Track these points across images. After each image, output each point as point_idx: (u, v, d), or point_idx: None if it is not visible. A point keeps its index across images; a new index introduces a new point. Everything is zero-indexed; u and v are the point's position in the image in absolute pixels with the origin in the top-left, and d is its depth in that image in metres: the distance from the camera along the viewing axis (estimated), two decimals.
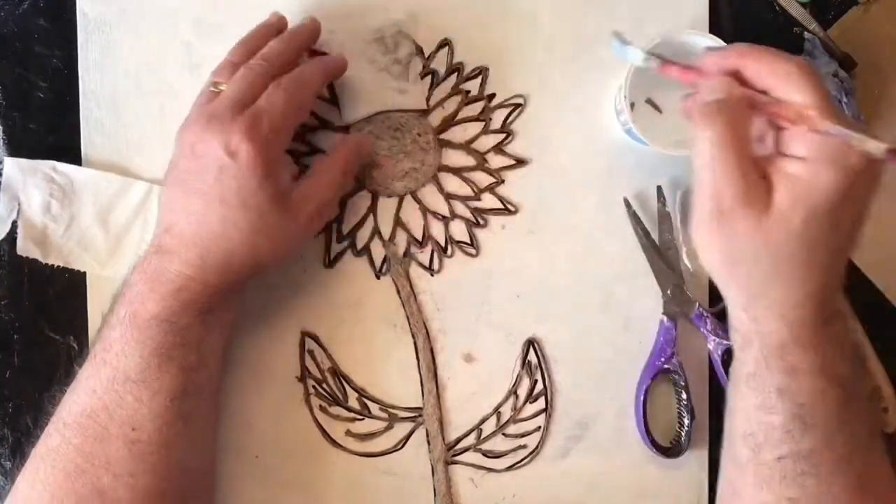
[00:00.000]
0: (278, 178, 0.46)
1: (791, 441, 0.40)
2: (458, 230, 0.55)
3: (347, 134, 0.54)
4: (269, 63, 0.48)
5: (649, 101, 0.53)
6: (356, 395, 0.55)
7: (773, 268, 0.40)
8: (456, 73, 0.55)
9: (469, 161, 0.55)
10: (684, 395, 0.53)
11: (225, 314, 0.48)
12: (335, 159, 0.51)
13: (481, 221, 0.55)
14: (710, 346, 0.53)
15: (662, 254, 0.54)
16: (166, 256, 0.46)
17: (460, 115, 0.55)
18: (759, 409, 0.41)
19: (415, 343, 0.55)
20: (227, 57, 0.49)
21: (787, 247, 0.39)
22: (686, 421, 0.53)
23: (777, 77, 0.40)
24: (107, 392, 0.44)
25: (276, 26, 0.51)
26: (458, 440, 0.55)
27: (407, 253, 0.55)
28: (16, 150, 0.55)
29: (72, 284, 0.55)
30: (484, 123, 0.55)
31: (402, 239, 0.55)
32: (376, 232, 0.55)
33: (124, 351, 0.45)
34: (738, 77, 0.41)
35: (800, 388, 0.40)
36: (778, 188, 0.39)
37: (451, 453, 0.55)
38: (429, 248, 0.55)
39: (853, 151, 0.37)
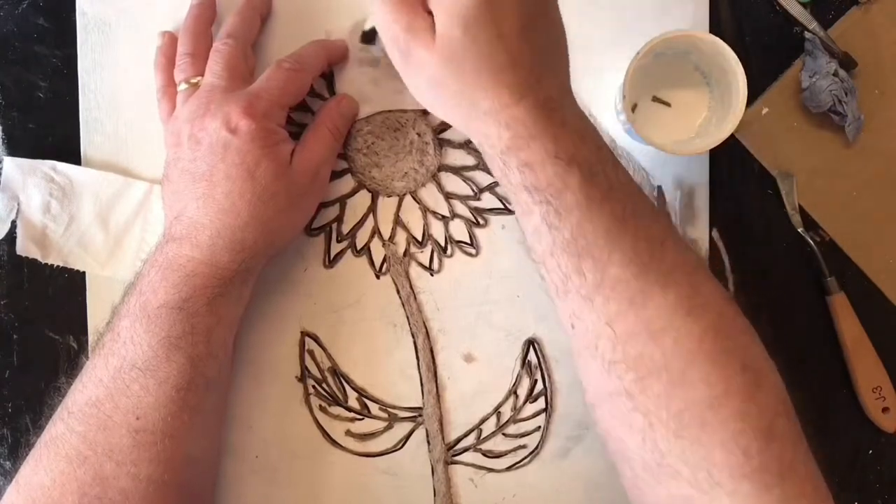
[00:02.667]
0: (278, 148, 0.48)
1: (554, 230, 0.41)
2: (458, 230, 0.55)
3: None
4: (235, 39, 0.50)
5: (656, 99, 0.53)
6: (356, 395, 0.55)
7: (464, 85, 0.41)
8: None
9: (469, 160, 0.55)
10: None
11: (234, 305, 0.49)
12: (320, 120, 0.52)
13: (481, 221, 0.55)
14: None
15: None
16: (177, 243, 0.46)
17: None
18: (522, 215, 0.43)
19: (415, 343, 0.55)
20: (182, 49, 0.51)
21: (463, 61, 0.40)
22: None
23: None
24: (113, 381, 0.45)
25: (207, 3, 0.53)
26: (458, 440, 0.55)
27: (407, 253, 0.55)
28: (15, 150, 0.55)
29: (71, 284, 0.55)
30: None
31: (401, 239, 0.55)
32: (376, 232, 0.55)
33: (133, 339, 0.45)
34: None
35: (540, 179, 0.41)
36: (436, 13, 0.41)
37: (451, 453, 0.55)
38: (429, 248, 0.55)
39: None
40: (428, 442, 0.55)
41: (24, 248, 0.54)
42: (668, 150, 0.50)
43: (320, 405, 0.55)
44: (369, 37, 0.54)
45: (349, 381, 0.55)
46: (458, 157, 0.55)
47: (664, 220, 0.44)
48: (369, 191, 0.55)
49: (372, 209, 0.55)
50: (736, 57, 0.49)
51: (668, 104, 0.53)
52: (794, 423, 0.41)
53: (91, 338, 0.54)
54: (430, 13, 0.41)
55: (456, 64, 0.41)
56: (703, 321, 0.40)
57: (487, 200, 0.55)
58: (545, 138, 0.41)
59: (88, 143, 0.55)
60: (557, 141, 0.41)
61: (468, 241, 0.55)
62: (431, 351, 0.55)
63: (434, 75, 0.42)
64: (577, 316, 0.42)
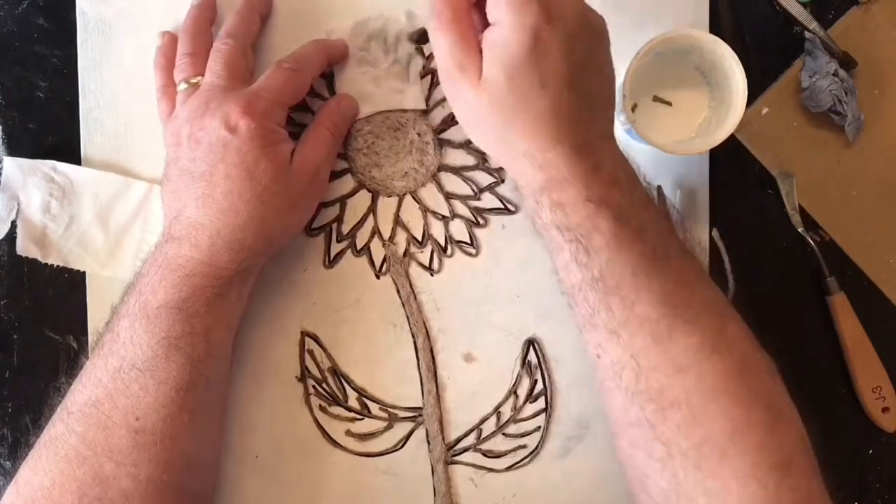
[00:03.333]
0: (278, 148, 0.48)
1: (584, 268, 0.43)
2: (458, 230, 0.55)
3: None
4: (234, 39, 0.50)
5: (657, 99, 0.53)
6: (356, 394, 0.55)
7: (504, 124, 0.43)
8: None
9: (469, 160, 0.55)
10: None
11: (234, 305, 0.49)
12: (319, 121, 0.52)
13: (481, 221, 0.55)
14: None
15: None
16: (176, 243, 0.46)
17: None
18: (553, 251, 0.45)
19: (415, 343, 0.55)
20: (182, 49, 0.51)
21: (504, 104, 0.42)
22: None
23: None
24: (112, 381, 0.45)
25: (207, 3, 0.53)
26: (458, 440, 0.55)
27: (407, 253, 0.55)
28: (15, 150, 0.55)
29: (71, 284, 0.55)
30: None
31: (401, 239, 0.55)
32: (376, 232, 0.55)
33: (132, 340, 0.45)
34: None
35: (571, 220, 0.43)
36: (484, 55, 0.42)
37: (451, 453, 0.55)
38: (429, 248, 0.55)
39: (532, 9, 0.40)
40: (428, 442, 0.55)
41: (24, 248, 0.54)
42: (668, 150, 0.50)
43: (320, 405, 0.55)
44: (420, 38, 0.54)
45: (349, 381, 0.55)
46: (458, 157, 0.55)
47: (694, 261, 0.45)
48: (369, 191, 0.55)
49: (372, 209, 0.55)
50: (736, 57, 0.49)
51: (668, 103, 0.53)
52: (811, 460, 0.42)
53: (91, 338, 0.54)
54: (482, 51, 0.43)
55: (498, 106, 0.42)
56: (726, 360, 0.42)
57: (487, 200, 0.55)
58: (578, 182, 0.42)
59: (88, 143, 0.55)
60: (590, 185, 0.42)
61: (468, 241, 0.55)
62: (431, 351, 0.55)
63: (478, 112, 0.43)
64: (602, 348, 0.43)
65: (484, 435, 0.55)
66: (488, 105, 0.42)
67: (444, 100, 0.55)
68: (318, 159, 0.50)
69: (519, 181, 0.45)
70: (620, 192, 0.43)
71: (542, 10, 0.40)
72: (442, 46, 0.43)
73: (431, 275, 0.55)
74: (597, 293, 0.43)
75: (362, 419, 0.55)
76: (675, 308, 0.42)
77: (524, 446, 0.55)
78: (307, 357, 0.55)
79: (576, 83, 0.42)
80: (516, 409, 0.55)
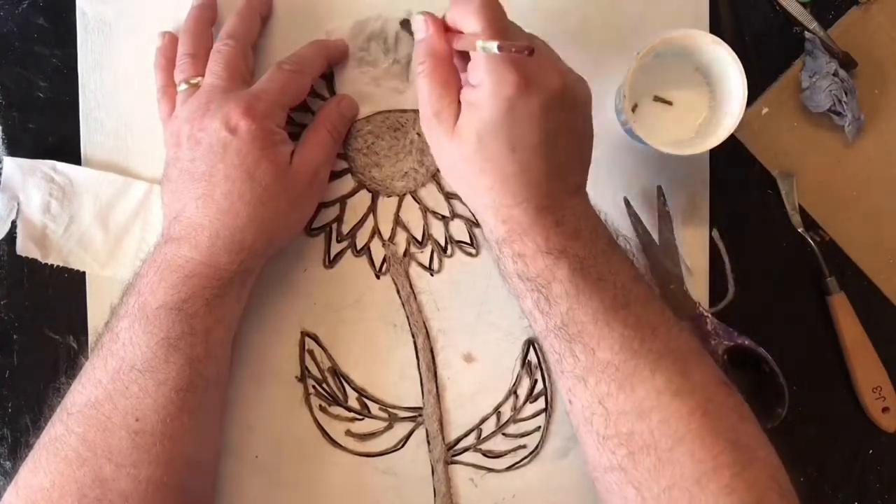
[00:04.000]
0: (278, 149, 0.48)
1: (548, 315, 0.44)
2: (458, 230, 0.55)
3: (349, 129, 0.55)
4: (235, 40, 0.50)
5: (658, 98, 0.53)
6: (356, 394, 0.55)
7: (472, 176, 0.44)
8: None
9: None
10: None
11: (233, 305, 0.48)
12: (319, 122, 0.52)
13: None
14: (711, 345, 0.53)
15: (662, 254, 0.54)
16: (176, 244, 0.46)
17: None
18: (518, 299, 0.46)
19: (415, 343, 0.55)
20: (182, 50, 0.51)
21: (472, 160, 0.44)
22: None
23: (463, 14, 0.44)
24: (112, 382, 0.44)
25: (208, 4, 0.53)
26: (458, 440, 0.55)
27: (407, 253, 0.55)
28: (15, 150, 0.55)
29: (71, 284, 0.55)
30: None
31: (401, 239, 0.55)
32: (376, 232, 0.55)
33: (132, 340, 0.45)
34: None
35: (531, 269, 0.44)
36: (462, 110, 0.44)
37: (451, 453, 0.55)
38: (427, 248, 0.55)
39: (509, 81, 0.41)
40: (428, 442, 0.55)
41: (24, 248, 0.54)
42: (668, 150, 0.50)
43: (320, 405, 0.55)
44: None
45: (349, 381, 0.55)
46: None
47: (657, 306, 0.45)
48: (369, 191, 0.55)
49: (372, 209, 0.55)
50: (736, 57, 0.49)
51: (669, 103, 0.53)
52: (785, 498, 0.42)
53: (91, 338, 0.54)
54: (459, 103, 0.45)
55: (465, 162, 0.44)
56: (690, 402, 0.42)
57: None
58: (537, 235, 0.44)
59: (88, 143, 0.55)
60: (549, 238, 0.44)
61: (468, 241, 0.55)
62: (431, 351, 0.55)
63: (450, 158, 0.45)
64: (572, 392, 0.44)
65: (484, 435, 0.55)
66: (459, 156, 0.44)
67: None
68: (318, 160, 0.50)
69: (484, 229, 0.47)
70: (581, 244, 0.44)
71: (520, 82, 0.41)
72: (423, 92, 0.45)
73: (431, 275, 0.55)
74: (560, 340, 0.44)
75: (362, 419, 0.55)
76: (636, 353, 0.43)
77: (524, 446, 0.55)
78: (307, 357, 0.55)
79: (547, 151, 0.43)
80: (516, 409, 0.55)
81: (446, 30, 0.46)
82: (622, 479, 0.42)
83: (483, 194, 0.44)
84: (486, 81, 0.42)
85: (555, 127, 0.43)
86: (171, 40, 0.53)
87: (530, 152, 0.43)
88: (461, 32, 0.45)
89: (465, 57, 0.46)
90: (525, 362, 0.55)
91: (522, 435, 0.55)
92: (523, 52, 0.39)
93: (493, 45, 0.40)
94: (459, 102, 0.44)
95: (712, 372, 0.44)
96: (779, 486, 0.42)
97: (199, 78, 0.50)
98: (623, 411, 0.42)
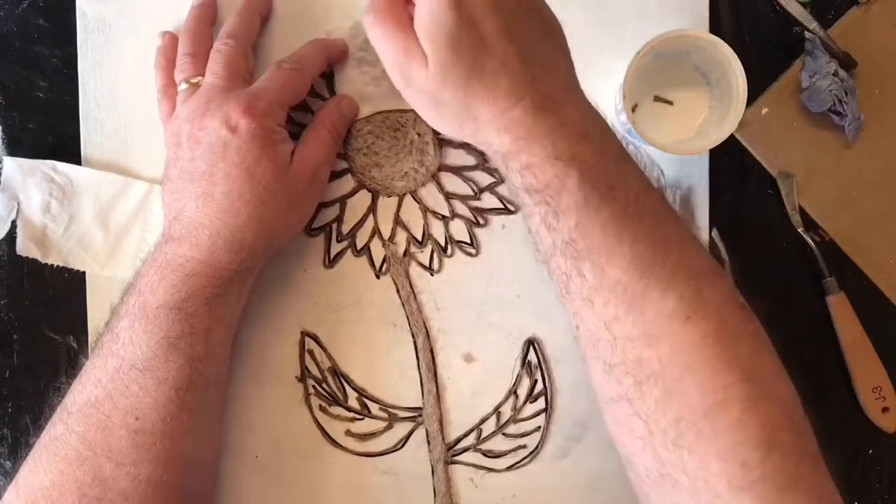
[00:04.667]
0: (278, 148, 0.48)
1: (555, 231, 0.41)
2: (458, 230, 0.55)
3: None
4: (235, 40, 0.50)
5: (658, 98, 0.53)
6: (356, 394, 0.55)
7: (459, 97, 0.42)
8: None
9: (469, 160, 0.55)
10: None
11: (233, 305, 0.49)
12: (319, 121, 0.52)
13: (481, 221, 0.55)
14: None
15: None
16: (176, 243, 0.46)
17: None
18: (526, 218, 0.44)
19: (415, 343, 0.55)
20: (182, 49, 0.51)
21: (456, 75, 0.41)
22: None
23: None
24: (112, 381, 0.45)
25: (208, 3, 0.53)
26: (458, 440, 0.55)
27: (407, 253, 0.55)
28: (15, 150, 0.55)
29: (71, 284, 0.55)
30: None
31: (401, 239, 0.55)
32: (376, 232, 0.55)
33: (132, 340, 0.45)
34: None
35: (539, 180, 0.41)
36: (420, 36, 0.42)
37: (451, 453, 0.55)
38: (428, 248, 0.55)
39: None
40: (428, 442, 0.55)
41: (24, 248, 0.54)
42: (668, 150, 0.50)
43: (320, 405, 0.55)
44: None
45: (349, 381, 0.55)
46: (458, 157, 0.55)
47: (671, 218, 0.43)
48: (369, 191, 0.55)
49: (372, 209, 0.55)
50: (736, 57, 0.49)
51: (670, 102, 0.53)
52: (800, 436, 0.40)
53: (91, 338, 0.54)
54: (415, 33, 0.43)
55: (450, 80, 0.42)
56: (703, 327, 0.39)
57: (487, 200, 0.55)
58: (544, 139, 0.41)
59: (88, 143, 0.55)
60: (556, 142, 0.41)
61: (468, 241, 0.55)
62: (431, 351, 0.55)
63: (433, 95, 0.43)
64: (579, 317, 0.42)
65: (484, 435, 0.55)
66: (441, 82, 0.42)
67: None
68: (318, 160, 0.50)
69: (489, 152, 0.44)
70: (590, 148, 0.41)
71: None
72: (383, 40, 0.43)
73: (431, 275, 0.55)
74: (568, 258, 0.41)
75: (362, 419, 0.55)
76: (648, 271, 0.40)
77: (524, 446, 0.55)
78: (307, 357, 0.55)
79: (518, 36, 0.41)
80: (516, 410, 0.55)
81: None
82: (628, 410, 0.40)
83: (477, 110, 0.42)
84: None
85: (512, 9, 0.41)
86: (172, 40, 0.53)
87: (500, 39, 0.41)
88: None
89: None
90: (525, 362, 0.55)
91: (522, 435, 0.55)
92: None
93: None
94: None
95: (729, 293, 0.41)
96: (793, 424, 0.40)
97: (200, 77, 0.50)
98: (630, 337, 0.40)
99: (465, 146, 0.55)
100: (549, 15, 0.44)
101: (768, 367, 0.41)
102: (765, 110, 0.55)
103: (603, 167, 0.41)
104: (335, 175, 0.55)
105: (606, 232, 0.40)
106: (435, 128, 0.46)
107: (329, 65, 0.54)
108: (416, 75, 0.43)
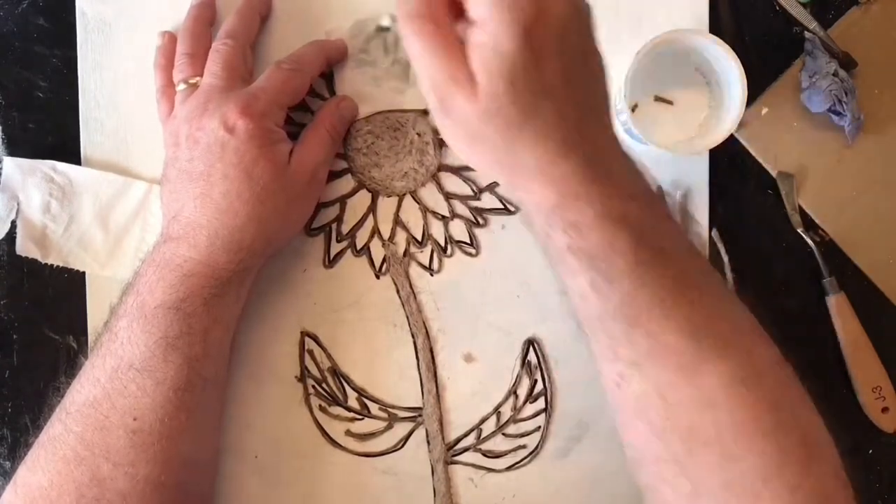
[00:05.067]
0: (276, 148, 0.48)
1: (604, 298, 0.39)
2: (458, 230, 0.55)
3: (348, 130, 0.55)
4: (234, 40, 0.50)
5: (659, 98, 0.53)
6: (356, 394, 0.55)
7: (508, 139, 0.37)
8: None
9: None
10: None
11: (232, 306, 0.48)
12: (319, 121, 0.52)
13: (481, 221, 0.55)
14: None
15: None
16: (174, 243, 0.46)
17: None
18: (566, 275, 0.40)
19: (415, 343, 0.55)
20: (181, 49, 0.51)
21: (507, 115, 0.37)
22: None
23: None
24: (110, 381, 0.44)
25: (207, 3, 0.53)
26: (458, 440, 0.55)
27: (407, 253, 0.55)
28: (15, 150, 0.55)
29: (71, 284, 0.55)
30: None
31: (401, 239, 0.55)
32: (376, 232, 0.55)
33: (130, 339, 0.45)
34: None
35: (587, 241, 0.38)
36: (472, 60, 0.36)
37: (450, 453, 0.55)
38: (427, 248, 0.55)
39: (518, 5, 0.35)
40: (428, 442, 0.55)
41: (24, 248, 0.54)
42: (668, 150, 0.50)
43: (320, 405, 0.55)
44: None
45: (349, 381, 0.55)
46: (458, 157, 0.55)
47: (716, 279, 0.42)
48: (369, 191, 0.55)
49: (372, 209, 0.55)
50: (736, 57, 0.49)
51: (670, 102, 0.53)
52: (848, 492, 0.39)
53: (90, 338, 0.54)
54: (468, 55, 0.37)
55: (500, 119, 0.37)
56: (757, 392, 0.38)
57: (487, 200, 0.55)
58: (593, 197, 0.38)
59: (88, 143, 0.55)
60: (606, 200, 0.38)
61: (468, 241, 0.55)
62: (431, 351, 0.55)
63: (475, 129, 0.38)
64: (623, 378, 0.40)
65: (484, 435, 0.55)
66: (489, 119, 0.37)
67: None
68: (317, 160, 0.50)
69: (527, 202, 0.40)
70: (639, 207, 0.39)
71: (531, 3, 0.35)
72: (429, 61, 0.37)
73: (431, 275, 0.55)
74: (618, 324, 0.39)
75: (362, 419, 0.55)
76: (703, 338, 0.38)
77: (524, 446, 0.55)
78: (307, 357, 0.55)
79: (576, 81, 0.38)
80: (516, 409, 0.55)
81: None
82: (675, 470, 0.39)
83: (524, 156, 0.38)
84: (494, 13, 0.35)
85: (574, 50, 0.37)
86: (171, 40, 0.53)
87: (563, 86, 0.37)
88: None
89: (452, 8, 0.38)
90: (525, 362, 0.55)
91: (522, 435, 0.55)
92: None
93: None
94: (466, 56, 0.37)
95: (774, 352, 0.40)
96: (842, 479, 0.39)
97: (198, 78, 0.50)
98: (684, 402, 0.38)
99: None
100: (600, 60, 0.40)
101: (817, 427, 0.40)
102: (765, 110, 0.55)
103: (652, 228, 0.39)
104: (335, 175, 0.55)
105: (662, 297, 0.38)
106: (464, 159, 0.41)
107: (328, 65, 0.54)
108: (458, 105, 0.37)
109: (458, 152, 0.41)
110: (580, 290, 0.40)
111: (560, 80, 0.37)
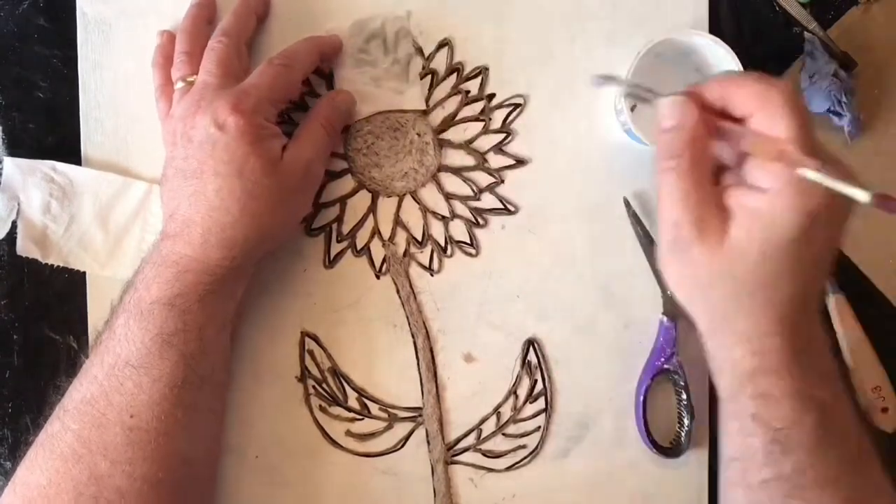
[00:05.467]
0: (268, 144, 0.47)
1: (773, 464, 0.39)
2: (458, 230, 0.55)
3: (345, 131, 0.55)
4: (228, 38, 0.50)
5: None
6: (356, 395, 0.55)
7: (732, 298, 0.39)
8: (456, 73, 0.55)
9: (469, 161, 0.55)
10: (684, 396, 0.53)
11: (227, 302, 0.48)
12: (312, 115, 0.52)
13: (481, 221, 0.55)
14: None
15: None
16: (171, 241, 0.46)
17: (460, 115, 0.55)
18: (738, 433, 0.41)
19: (415, 343, 0.55)
20: (179, 48, 0.51)
21: (744, 279, 0.38)
22: (686, 421, 0.53)
23: (758, 102, 0.38)
24: (107, 378, 0.44)
25: (205, 3, 0.53)
26: (458, 440, 0.55)
27: (407, 253, 0.55)
28: (15, 150, 0.55)
29: (72, 284, 0.55)
30: (484, 123, 0.55)
31: (401, 239, 0.55)
32: (376, 232, 0.55)
33: (126, 336, 0.45)
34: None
35: (774, 413, 0.39)
36: (736, 219, 0.38)
37: (450, 453, 0.55)
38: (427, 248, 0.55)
39: (817, 192, 0.36)
40: (428, 442, 0.55)
41: (24, 248, 0.54)
42: None
43: (320, 405, 0.55)
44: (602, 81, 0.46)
45: (349, 381, 0.55)
46: (458, 158, 0.55)
47: (877, 464, 0.42)
48: (369, 191, 0.55)
49: (372, 209, 0.55)
50: (736, 57, 0.49)
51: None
52: None
53: (91, 338, 0.54)
54: (725, 208, 0.39)
55: (739, 279, 0.38)
56: None
57: (487, 200, 0.55)
58: (792, 376, 0.39)
59: (88, 143, 0.55)
60: (800, 379, 0.39)
61: (468, 241, 0.55)
62: (431, 351, 0.55)
63: (704, 276, 0.39)
64: None
65: (484, 435, 0.55)
66: (722, 274, 0.38)
67: (444, 100, 0.55)
68: (310, 154, 0.50)
69: (721, 358, 0.41)
70: (828, 388, 0.40)
71: (825, 197, 0.36)
72: (675, 194, 0.38)
73: (431, 275, 0.55)
74: (780, 490, 0.39)
75: (362, 419, 0.55)
76: None
77: (524, 446, 0.55)
78: (307, 357, 0.55)
79: (819, 270, 0.39)
80: (516, 410, 0.55)
81: (705, 109, 0.39)
82: None
83: (738, 320, 0.39)
84: (785, 190, 0.36)
85: (824, 240, 0.38)
86: (170, 39, 0.53)
87: (811, 275, 0.38)
88: (730, 117, 0.39)
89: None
90: (525, 362, 0.55)
91: (522, 435, 0.55)
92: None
93: (862, 193, 0.35)
94: (720, 206, 0.38)
95: None
96: None
97: (195, 76, 0.50)
98: None
99: (464, 146, 0.55)
100: (836, 250, 0.41)
101: None
102: None
103: (835, 409, 0.40)
104: (335, 175, 0.55)
105: (827, 479, 0.39)
106: (676, 295, 0.42)
107: (322, 61, 0.53)
108: (697, 248, 0.38)
109: (670, 282, 0.42)
110: (751, 452, 0.40)
111: (804, 265, 0.38)
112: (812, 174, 0.35)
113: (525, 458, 0.55)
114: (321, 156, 0.52)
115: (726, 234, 0.38)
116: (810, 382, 0.39)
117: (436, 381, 0.55)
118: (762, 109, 0.38)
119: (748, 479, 0.41)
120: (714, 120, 0.39)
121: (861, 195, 0.35)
